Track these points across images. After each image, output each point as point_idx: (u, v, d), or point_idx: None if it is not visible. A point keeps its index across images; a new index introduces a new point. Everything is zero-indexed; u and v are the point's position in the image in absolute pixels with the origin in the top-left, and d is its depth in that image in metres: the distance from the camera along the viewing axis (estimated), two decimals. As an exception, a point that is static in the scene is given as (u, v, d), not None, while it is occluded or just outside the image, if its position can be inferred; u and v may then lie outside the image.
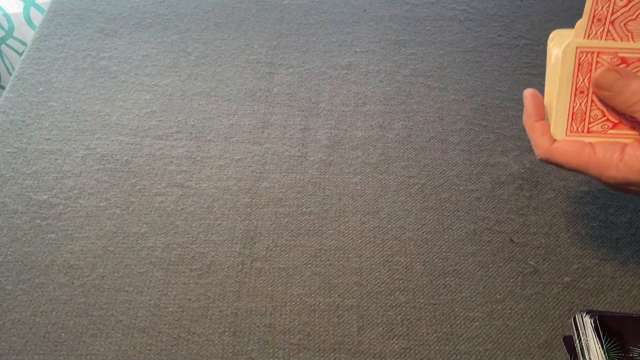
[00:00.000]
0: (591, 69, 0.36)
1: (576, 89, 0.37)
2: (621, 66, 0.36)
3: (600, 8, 0.35)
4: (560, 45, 0.37)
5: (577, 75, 0.37)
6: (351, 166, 0.55)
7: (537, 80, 0.63)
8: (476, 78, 0.64)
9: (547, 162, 0.38)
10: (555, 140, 0.38)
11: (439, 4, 0.73)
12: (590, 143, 0.37)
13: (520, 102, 0.61)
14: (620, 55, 0.36)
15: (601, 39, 0.36)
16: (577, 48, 0.36)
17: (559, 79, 0.37)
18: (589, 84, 0.37)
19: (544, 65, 0.66)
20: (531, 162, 0.56)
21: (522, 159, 0.56)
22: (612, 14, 0.36)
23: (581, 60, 0.36)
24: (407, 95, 0.62)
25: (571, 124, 0.38)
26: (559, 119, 0.38)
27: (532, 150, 0.56)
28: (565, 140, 0.38)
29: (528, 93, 0.40)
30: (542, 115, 0.39)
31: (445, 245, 0.50)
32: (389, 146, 0.57)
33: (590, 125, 0.38)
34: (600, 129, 0.38)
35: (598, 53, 0.36)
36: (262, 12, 0.72)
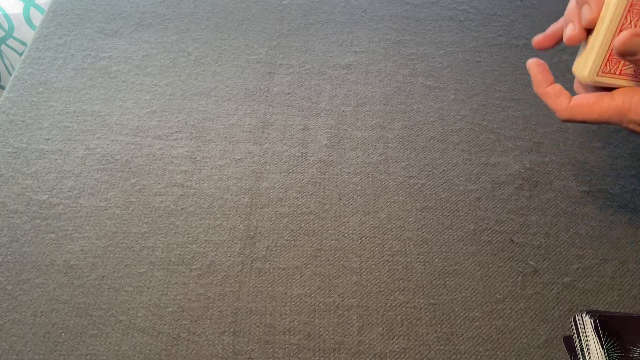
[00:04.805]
0: None
1: (621, 31, 0.36)
2: None
3: None
4: None
5: (626, 17, 0.36)
6: (351, 166, 0.55)
7: (537, 80, 0.63)
8: (476, 78, 0.64)
9: (569, 121, 0.39)
10: (571, 98, 0.38)
11: (439, 4, 0.73)
12: (608, 92, 0.37)
13: (520, 102, 0.61)
14: None
15: None
16: None
17: (606, 19, 0.36)
18: (636, 26, 0.36)
19: (544, 65, 0.65)
20: (531, 162, 0.56)
21: (522, 159, 0.56)
22: None
23: (634, 2, 0.35)
24: (407, 95, 0.62)
25: (606, 64, 0.37)
26: (596, 58, 0.37)
27: (532, 150, 0.57)
28: (585, 87, 0.38)
29: (532, 62, 0.40)
30: (551, 80, 0.39)
31: (445, 245, 0.50)
32: (389, 146, 0.57)
33: (623, 68, 0.37)
34: (632, 72, 0.37)
35: None
36: (262, 12, 0.72)
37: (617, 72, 0.37)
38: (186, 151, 0.56)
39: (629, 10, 0.35)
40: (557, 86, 0.39)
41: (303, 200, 0.53)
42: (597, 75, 0.37)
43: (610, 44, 0.36)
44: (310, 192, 0.53)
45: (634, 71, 0.37)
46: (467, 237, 0.50)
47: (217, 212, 0.52)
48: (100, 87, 0.62)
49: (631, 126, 0.37)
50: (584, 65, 0.38)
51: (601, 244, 0.50)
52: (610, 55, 0.37)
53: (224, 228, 0.51)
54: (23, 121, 0.59)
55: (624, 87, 0.38)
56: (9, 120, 0.59)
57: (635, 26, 0.36)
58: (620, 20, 0.36)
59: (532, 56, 0.66)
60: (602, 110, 0.37)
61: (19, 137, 0.58)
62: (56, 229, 0.50)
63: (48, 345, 0.44)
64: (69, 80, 0.63)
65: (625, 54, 0.35)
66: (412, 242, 0.50)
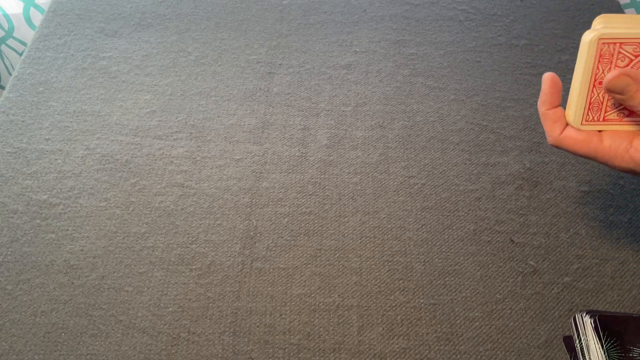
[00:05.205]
0: (612, 60, 0.36)
1: (595, 80, 0.37)
2: None
3: (600, 72, 0.37)
4: (590, 33, 0.37)
5: (597, 67, 0.37)
6: (351, 166, 0.55)
7: (537, 80, 0.63)
8: (476, 78, 0.64)
9: (557, 148, 0.40)
10: (565, 127, 0.39)
11: (439, 4, 0.73)
12: (598, 132, 0.38)
13: (520, 102, 0.61)
14: None
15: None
16: (599, 39, 0.36)
17: (580, 70, 0.37)
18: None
19: (544, 65, 0.66)
20: (531, 162, 0.56)
21: (522, 159, 0.56)
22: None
23: (603, 51, 0.36)
24: (407, 95, 0.62)
25: (588, 113, 0.38)
26: (577, 108, 0.38)
27: (532, 150, 0.57)
28: (576, 129, 0.38)
29: (548, 77, 0.40)
30: (557, 102, 0.39)
31: (445, 245, 0.50)
32: (389, 146, 0.57)
33: (606, 114, 0.38)
34: (616, 117, 0.38)
35: (620, 44, 0.36)
36: (262, 12, 0.72)
37: (601, 119, 0.38)
38: (186, 151, 0.56)
39: (599, 61, 0.37)
40: (559, 111, 0.39)
41: (303, 200, 0.53)
42: (581, 124, 0.39)
43: (588, 95, 0.38)
44: (310, 192, 0.53)
45: (617, 115, 0.38)
46: (467, 237, 0.50)
47: (217, 212, 0.52)
48: (100, 87, 0.62)
49: (617, 169, 0.38)
50: (568, 115, 0.39)
51: (601, 244, 0.50)
52: (590, 105, 0.38)
53: (224, 228, 0.51)
54: (23, 121, 0.59)
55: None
56: (9, 120, 0.59)
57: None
58: (593, 70, 0.37)
59: (532, 56, 0.66)
60: (590, 149, 0.38)
61: (19, 137, 0.58)
62: (56, 229, 0.50)
63: (48, 345, 0.44)
64: (69, 80, 0.63)
65: (612, 92, 0.36)
66: (412, 242, 0.50)
